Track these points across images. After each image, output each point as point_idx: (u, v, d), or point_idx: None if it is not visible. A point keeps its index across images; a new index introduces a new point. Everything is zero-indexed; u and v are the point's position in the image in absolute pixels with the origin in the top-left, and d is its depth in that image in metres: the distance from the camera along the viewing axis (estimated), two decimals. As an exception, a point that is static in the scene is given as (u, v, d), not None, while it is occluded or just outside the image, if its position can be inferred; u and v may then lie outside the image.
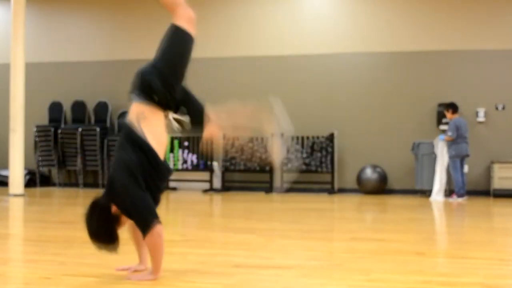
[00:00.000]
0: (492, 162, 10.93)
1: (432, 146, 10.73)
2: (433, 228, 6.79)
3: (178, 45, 3.53)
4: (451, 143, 10.22)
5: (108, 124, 12.71)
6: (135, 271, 3.64)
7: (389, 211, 8.87)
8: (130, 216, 3.38)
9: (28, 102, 10.87)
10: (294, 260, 4.34)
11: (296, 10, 12.18)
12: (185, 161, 12.08)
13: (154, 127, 3.44)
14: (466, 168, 10.43)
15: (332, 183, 11.50)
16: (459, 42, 11.47)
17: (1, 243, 5.29)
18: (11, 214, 8.21)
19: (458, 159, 10.19)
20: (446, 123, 10.98)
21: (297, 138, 11.56)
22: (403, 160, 11.42)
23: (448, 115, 10.40)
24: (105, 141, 12.39)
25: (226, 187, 12.03)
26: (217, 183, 12.06)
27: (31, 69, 11.63)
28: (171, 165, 12.02)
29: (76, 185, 12.79)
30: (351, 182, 11.60)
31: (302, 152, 11.50)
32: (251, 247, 4.96)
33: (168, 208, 9.58)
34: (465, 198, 10.13)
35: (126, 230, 3.63)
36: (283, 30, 12.15)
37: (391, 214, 8.51)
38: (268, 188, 11.75)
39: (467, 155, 10.33)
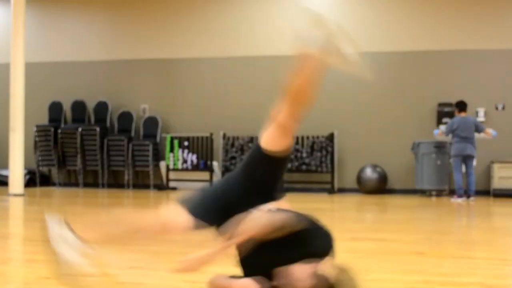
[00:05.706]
0: (492, 162, 10.93)
1: (432, 145, 10.72)
2: (433, 228, 6.79)
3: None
4: (452, 143, 10.20)
5: (108, 123, 12.70)
6: None
7: (389, 211, 8.87)
8: None
9: (28, 102, 10.87)
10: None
11: (296, 9, 12.17)
12: (185, 161, 12.07)
13: None
14: (463, 168, 10.28)
15: (332, 182, 11.50)
16: (459, 42, 11.47)
17: (1, 242, 5.28)
18: (11, 214, 8.21)
19: (457, 158, 10.15)
20: (446, 123, 10.97)
21: (297, 138, 11.56)
22: (403, 160, 11.42)
23: (456, 112, 10.40)
24: (105, 140, 12.39)
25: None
26: (217, 183, 12.03)
27: (31, 68, 11.63)
28: (171, 165, 12.03)
29: (76, 185, 12.79)
30: (351, 182, 11.60)
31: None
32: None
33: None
34: (463, 199, 10.05)
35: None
36: (283, 29, 12.13)
37: (391, 213, 8.51)
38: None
39: (469, 156, 10.15)
